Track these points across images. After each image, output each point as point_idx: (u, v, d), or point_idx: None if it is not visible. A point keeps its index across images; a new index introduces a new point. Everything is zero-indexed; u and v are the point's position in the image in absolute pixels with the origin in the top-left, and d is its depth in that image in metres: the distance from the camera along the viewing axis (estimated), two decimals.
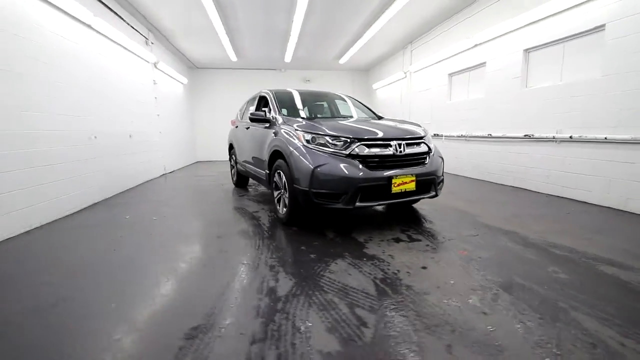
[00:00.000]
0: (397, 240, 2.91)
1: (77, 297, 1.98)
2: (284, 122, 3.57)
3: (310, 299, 1.90)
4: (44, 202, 3.54)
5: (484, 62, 5.90)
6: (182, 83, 9.96)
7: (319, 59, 10.33)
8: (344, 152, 2.90)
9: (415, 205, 4.10)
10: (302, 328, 1.62)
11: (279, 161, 3.37)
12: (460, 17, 6.37)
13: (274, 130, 3.65)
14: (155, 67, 7.43)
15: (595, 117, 3.97)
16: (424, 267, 2.34)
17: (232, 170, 6.08)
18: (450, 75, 7.05)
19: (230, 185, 6.11)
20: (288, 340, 1.52)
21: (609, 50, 3.77)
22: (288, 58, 9.84)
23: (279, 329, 1.61)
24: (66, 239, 3.10)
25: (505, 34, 5.29)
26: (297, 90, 4.57)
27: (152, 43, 7.22)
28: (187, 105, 10.67)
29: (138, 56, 6.40)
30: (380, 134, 3.04)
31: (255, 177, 4.51)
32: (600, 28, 3.88)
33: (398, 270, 2.28)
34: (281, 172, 3.32)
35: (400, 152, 3.03)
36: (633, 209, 3.59)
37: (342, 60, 10.35)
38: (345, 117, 4.25)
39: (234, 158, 5.82)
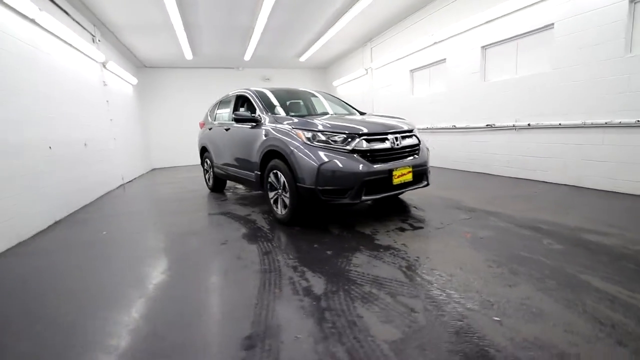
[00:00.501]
0: (402, 229, 3.03)
1: None
2: (274, 121, 3.50)
3: (349, 294, 1.91)
4: None
5: (444, 59, 6.33)
6: (131, 84, 9.18)
7: (280, 56, 10.21)
8: (346, 147, 2.93)
9: (400, 196, 4.28)
10: (357, 322, 1.62)
11: (275, 161, 3.29)
12: (420, 15, 6.74)
13: (263, 130, 3.56)
14: (104, 67, 6.75)
15: (549, 106, 4.49)
16: (439, 251, 2.47)
17: (207, 175, 5.77)
18: (412, 71, 7.44)
19: (204, 190, 5.80)
20: (349, 335, 1.52)
21: (558, 46, 4.29)
22: (248, 56, 9.57)
23: (335, 326, 1.60)
24: (34, 270, 2.71)
25: (464, 32, 5.73)
26: (272, 89, 4.47)
27: (99, 40, 6.54)
28: (138, 109, 9.85)
29: (87, 55, 5.76)
30: (378, 128, 3.13)
31: (239, 180, 4.35)
32: (550, 26, 4.40)
33: (418, 257, 2.38)
34: (278, 172, 3.26)
35: (397, 145, 3.15)
36: (587, 184, 4.15)
37: (303, 58, 10.35)
38: (325, 114, 4.26)
39: (208, 162, 5.54)
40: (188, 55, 8.93)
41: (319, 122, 3.08)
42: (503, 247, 2.49)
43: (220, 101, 5.34)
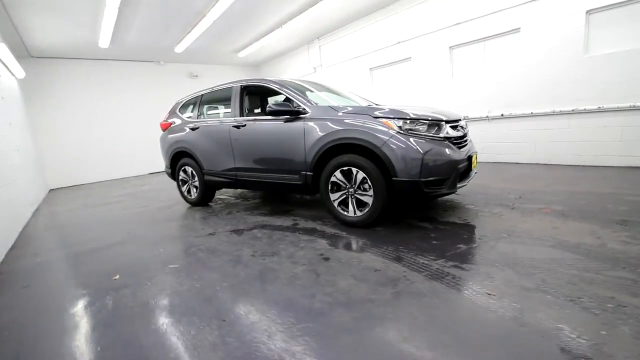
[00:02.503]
0: (478, 214, 3.06)
1: None
2: (324, 112, 3.08)
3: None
4: None
5: (410, 57, 6.76)
6: (16, 77, 6.76)
7: (216, 50, 9.15)
8: (439, 135, 2.79)
9: None
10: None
11: (350, 156, 2.88)
12: (383, 14, 6.99)
13: (312, 124, 3.08)
14: None
15: (519, 98, 5.27)
16: (555, 227, 2.58)
17: (185, 187, 4.68)
18: (372, 69, 7.69)
19: (178, 207, 4.70)
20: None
21: (525, 47, 5.08)
22: (181, 48, 8.25)
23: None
24: None
25: (431, 33, 6.22)
26: (281, 79, 3.95)
27: None
28: (24, 112, 7.33)
29: None
30: (452, 116, 3.08)
31: (265, 186, 3.67)
32: (516, 30, 5.16)
33: (548, 236, 2.43)
34: (353, 169, 2.87)
35: (466, 132, 3.18)
36: (557, 162, 5.03)
37: (242, 54, 9.55)
38: (349, 104, 3.98)
39: (189, 170, 4.49)
40: (104, 42, 7.11)
41: (407, 110, 2.84)
42: (585, 214, 2.77)
43: (204, 95, 4.41)
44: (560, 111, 4.82)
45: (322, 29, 8.16)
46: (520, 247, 2.28)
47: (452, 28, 5.89)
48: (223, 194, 5.27)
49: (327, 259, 2.39)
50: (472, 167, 3.05)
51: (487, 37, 5.52)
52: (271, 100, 5.88)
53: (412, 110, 2.87)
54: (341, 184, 2.99)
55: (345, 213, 3.03)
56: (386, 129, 2.72)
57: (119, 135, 9.26)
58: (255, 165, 3.69)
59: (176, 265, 2.54)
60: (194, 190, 4.53)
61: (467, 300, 1.70)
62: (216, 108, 4.39)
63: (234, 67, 11.34)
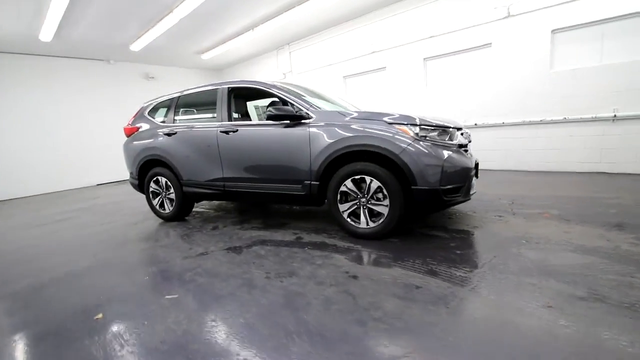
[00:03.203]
0: (484, 221, 3.08)
1: None
2: (330, 118, 2.90)
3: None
4: None
5: (385, 67, 6.86)
6: None
7: (178, 51, 8.51)
8: (453, 142, 2.74)
9: None
10: None
11: (362, 164, 2.71)
12: (359, 23, 7.03)
13: (316, 129, 2.87)
14: None
15: (491, 109, 5.58)
16: (565, 232, 2.65)
17: (156, 200, 4.11)
18: (346, 77, 7.69)
19: (148, 222, 4.12)
20: None
21: (496, 61, 5.40)
22: (139, 46, 7.50)
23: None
24: None
25: (406, 44, 6.38)
26: (277, 82, 3.70)
27: None
28: None
29: None
30: (459, 124, 3.07)
31: (262, 196, 3.34)
32: (488, 45, 5.47)
33: (564, 241, 2.48)
34: (366, 178, 2.70)
35: (470, 140, 3.20)
36: (526, 168, 5.38)
37: (207, 56, 8.99)
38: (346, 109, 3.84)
39: (163, 181, 3.96)
40: (46, 35, 6.16)
41: (420, 116, 2.74)
42: (583, 216, 2.91)
43: (181, 98, 3.95)
44: (530, 121, 5.19)
45: (293, 34, 8.00)
46: (546, 254, 2.28)
47: (427, 40, 6.10)
48: (198, 207, 4.76)
49: (354, 277, 2.17)
50: (477, 175, 3.06)
51: (461, 50, 5.80)
52: (254, 103, 5.54)
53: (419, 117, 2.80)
54: (351, 193, 2.81)
55: (357, 224, 2.84)
56: (403, 136, 2.60)
57: (64, 142, 8.11)
58: (248, 174, 3.35)
59: (175, 296, 2.12)
60: (169, 203, 4.00)
61: (531, 316, 1.60)
62: (197, 112, 3.94)
63: (194, 71, 10.66)
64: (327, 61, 7.80)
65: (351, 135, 2.75)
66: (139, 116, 4.31)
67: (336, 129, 2.83)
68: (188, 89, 3.96)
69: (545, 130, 5.10)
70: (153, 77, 9.68)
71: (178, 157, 3.76)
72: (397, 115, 2.78)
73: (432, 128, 2.68)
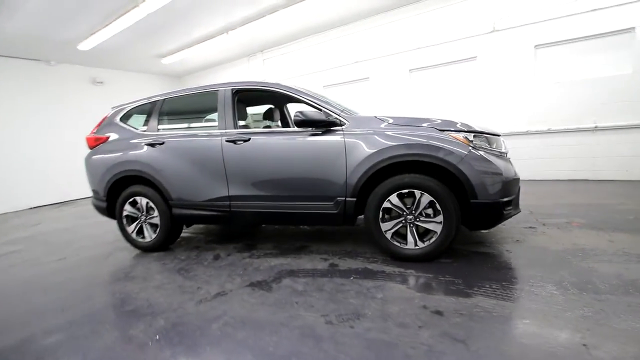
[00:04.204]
0: (523, 232, 2.94)
1: None
2: (365, 124, 2.56)
3: None
4: None
5: (368, 77, 6.75)
6: None
7: (135, 53, 7.55)
8: (501, 150, 2.56)
9: None
10: None
11: (410, 177, 2.38)
12: (341, 32, 6.85)
13: (344, 139, 2.51)
14: None
15: (477, 120, 5.67)
16: (610, 241, 2.57)
17: (133, 226, 3.30)
18: (326, 87, 7.43)
19: (121, 255, 3.32)
20: None
21: (481, 74, 5.56)
22: (89, 45, 6.45)
23: None
24: None
25: (391, 55, 6.34)
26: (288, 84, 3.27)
27: None
28: None
29: None
30: (495, 130, 2.91)
31: (279, 217, 2.85)
32: (473, 58, 5.62)
33: (619, 251, 2.38)
34: (416, 192, 2.37)
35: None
36: None
37: (167, 60, 8.14)
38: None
39: (142, 203, 3.21)
40: None
41: (467, 124, 2.51)
42: (607, 221, 2.92)
43: (167, 101, 3.30)
44: (518, 132, 5.37)
45: (269, 40, 7.58)
46: (616, 267, 2.14)
47: (413, 52, 6.12)
48: None
49: (438, 312, 1.79)
50: None
51: (447, 62, 5.89)
52: (251, 110, 4.99)
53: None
54: (396, 210, 2.45)
55: (402, 245, 2.48)
56: (459, 144, 2.34)
57: None
58: (262, 191, 2.81)
59: None
60: (150, 229, 3.25)
61: None
62: (189, 119, 3.32)
63: (149, 76, 9.61)
64: (305, 70, 7.49)
65: (398, 144, 2.41)
66: (107, 123, 3.52)
67: (376, 137, 2.49)
68: (174, 91, 3.33)
69: (531, 140, 5.31)
70: (101, 82, 8.48)
71: (166, 173, 3.07)
72: (439, 121, 2.53)
73: (484, 135, 2.46)
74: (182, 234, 3.86)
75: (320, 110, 2.66)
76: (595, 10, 4.58)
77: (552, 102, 5.04)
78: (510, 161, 2.62)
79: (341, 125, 2.59)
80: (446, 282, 2.14)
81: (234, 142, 2.84)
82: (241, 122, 3.53)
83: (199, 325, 1.87)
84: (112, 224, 3.48)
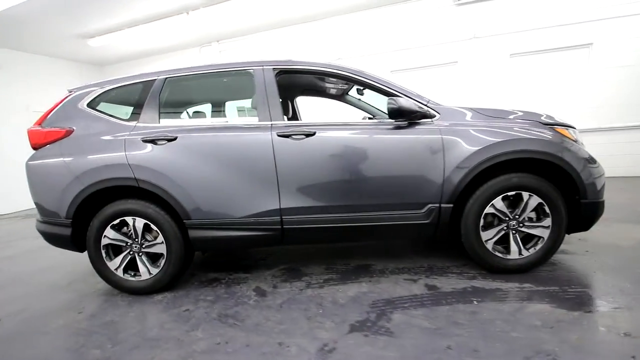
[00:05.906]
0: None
1: None
2: (453, 115, 2.23)
3: None
4: None
5: None
6: None
7: (50, 30, 5.82)
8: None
9: None
10: None
11: (518, 176, 2.08)
12: (316, 27, 6.39)
13: (441, 135, 2.12)
14: None
15: None
16: None
17: (117, 260, 2.24)
18: None
19: (110, 300, 2.29)
20: None
21: (461, 77, 5.76)
22: None
23: None
24: None
25: (372, 54, 6.16)
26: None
27: None
28: None
29: None
30: None
31: (350, 233, 2.26)
32: (454, 62, 5.78)
33: None
34: (523, 194, 2.09)
35: None
36: None
37: (96, 43, 6.49)
38: None
39: (137, 226, 2.22)
40: None
41: (552, 116, 2.33)
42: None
43: (170, 80, 2.38)
44: None
45: (228, 30, 6.66)
46: None
47: (395, 53, 6.04)
48: None
49: (627, 334, 1.51)
50: None
51: (429, 65, 5.95)
52: (237, 103, 4.16)
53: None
54: (499, 216, 2.14)
55: (506, 256, 2.17)
56: (568, 140, 2.14)
57: None
58: (328, 202, 2.19)
59: None
60: (148, 263, 2.28)
61: None
62: (215, 105, 2.45)
63: (65, 62, 7.62)
64: None
65: (502, 140, 2.09)
66: (66, 111, 2.39)
67: (472, 131, 2.14)
68: (177, 69, 2.42)
69: None
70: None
71: (182, 180, 2.18)
72: (521, 113, 2.32)
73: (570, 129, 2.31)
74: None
75: (408, 98, 2.19)
76: (561, 25, 5.11)
77: (530, 107, 5.46)
78: None
79: (431, 117, 2.17)
80: (575, 296, 1.89)
81: (288, 136, 2.15)
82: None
83: None
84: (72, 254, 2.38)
